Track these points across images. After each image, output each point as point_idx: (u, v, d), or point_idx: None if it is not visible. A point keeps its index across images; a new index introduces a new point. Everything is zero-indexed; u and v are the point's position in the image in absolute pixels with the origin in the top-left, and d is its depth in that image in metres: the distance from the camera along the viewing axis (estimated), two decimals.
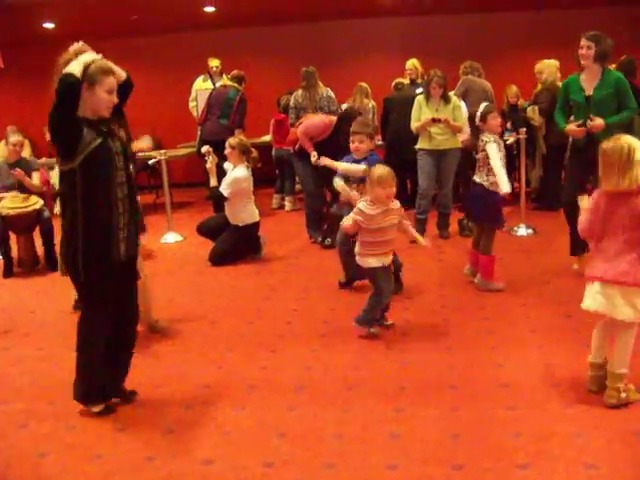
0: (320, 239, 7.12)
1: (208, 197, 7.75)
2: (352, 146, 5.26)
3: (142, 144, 10.90)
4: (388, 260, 4.47)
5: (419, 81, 9.06)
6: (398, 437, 3.20)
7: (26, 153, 9.01)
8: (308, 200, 7.46)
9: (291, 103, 7.95)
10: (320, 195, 7.39)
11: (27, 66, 11.65)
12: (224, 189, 6.57)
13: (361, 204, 4.37)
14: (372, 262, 4.41)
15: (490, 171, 5.20)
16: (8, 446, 3.32)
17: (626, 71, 6.24)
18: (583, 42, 5.17)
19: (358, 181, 5.16)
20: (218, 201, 7.16)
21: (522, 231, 7.25)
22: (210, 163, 6.74)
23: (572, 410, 3.36)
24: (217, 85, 9.62)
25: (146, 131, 11.37)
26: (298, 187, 9.82)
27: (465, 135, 7.30)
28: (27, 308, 5.66)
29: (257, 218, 6.75)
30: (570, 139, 7.94)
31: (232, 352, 4.35)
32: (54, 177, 6.83)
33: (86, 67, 3.26)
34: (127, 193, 3.42)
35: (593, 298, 3.34)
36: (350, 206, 4.92)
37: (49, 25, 10.66)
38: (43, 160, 9.19)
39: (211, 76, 10.19)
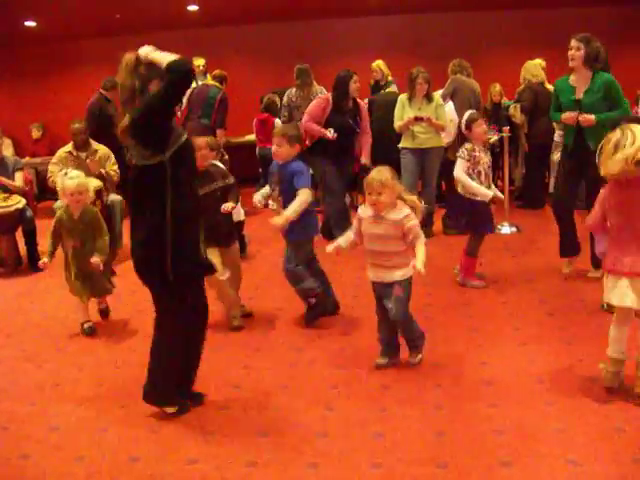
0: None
1: None
2: (272, 149, 4.81)
3: None
4: (381, 276, 3.87)
5: (382, 83, 9.12)
6: (382, 436, 3.20)
7: (8, 152, 8.92)
8: (330, 199, 6.99)
9: (284, 101, 7.89)
10: (343, 193, 7.18)
11: (9, 65, 11.57)
12: None
13: (362, 206, 4.07)
14: (369, 273, 3.95)
15: (477, 181, 5.25)
16: None
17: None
18: (573, 43, 5.12)
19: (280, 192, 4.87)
20: None
21: (506, 229, 7.28)
22: None
23: (555, 407, 3.38)
24: (199, 84, 9.58)
25: None
26: None
27: (450, 137, 7.31)
28: (10, 308, 5.62)
29: (242, 217, 6.73)
30: (556, 138, 8.05)
31: (216, 352, 4.33)
32: (54, 174, 6.73)
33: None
34: None
35: (624, 294, 3.31)
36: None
37: (31, 24, 10.57)
38: (26, 160, 9.12)
39: (194, 75, 10.14)
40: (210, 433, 3.31)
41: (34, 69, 11.83)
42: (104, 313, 5.13)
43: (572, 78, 5.27)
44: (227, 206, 4.56)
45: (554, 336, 4.29)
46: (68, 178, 4.85)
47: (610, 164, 3.25)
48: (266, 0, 10.18)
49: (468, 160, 5.25)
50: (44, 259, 4.70)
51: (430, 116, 6.87)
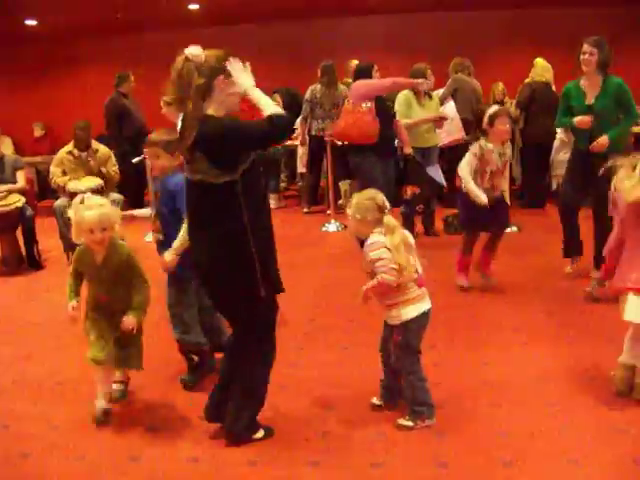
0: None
1: None
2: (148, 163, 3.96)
3: None
4: (385, 315, 3.41)
5: None
6: (383, 435, 3.20)
7: (8, 151, 8.90)
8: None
9: (307, 96, 7.81)
10: (390, 194, 7.01)
11: (9, 63, 11.56)
12: None
13: None
14: None
15: (480, 180, 5.13)
16: None
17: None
18: (586, 48, 4.90)
19: None
20: None
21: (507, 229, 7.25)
22: None
23: (556, 407, 3.38)
24: None
25: None
26: (283, 185, 9.80)
27: (451, 136, 7.29)
28: (11, 307, 5.62)
29: None
30: (558, 136, 8.01)
31: (216, 353, 4.33)
32: (56, 175, 6.73)
33: (221, 56, 3.03)
34: None
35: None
36: None
37: (32, 22, 10.58)
38: (27, 158, 9.10)
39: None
40: (210, 432, 3.30)
41: (34, 68, 11.82)
42: (121, 394, 3.72)
43: (583, 82, 5.09)
44: None
45: (554, 336, 4.29)
46: (85, 208, 3.31)
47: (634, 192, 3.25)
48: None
49: (478, 157, 5.08)
50: (72, 302, 3.42)
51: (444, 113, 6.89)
